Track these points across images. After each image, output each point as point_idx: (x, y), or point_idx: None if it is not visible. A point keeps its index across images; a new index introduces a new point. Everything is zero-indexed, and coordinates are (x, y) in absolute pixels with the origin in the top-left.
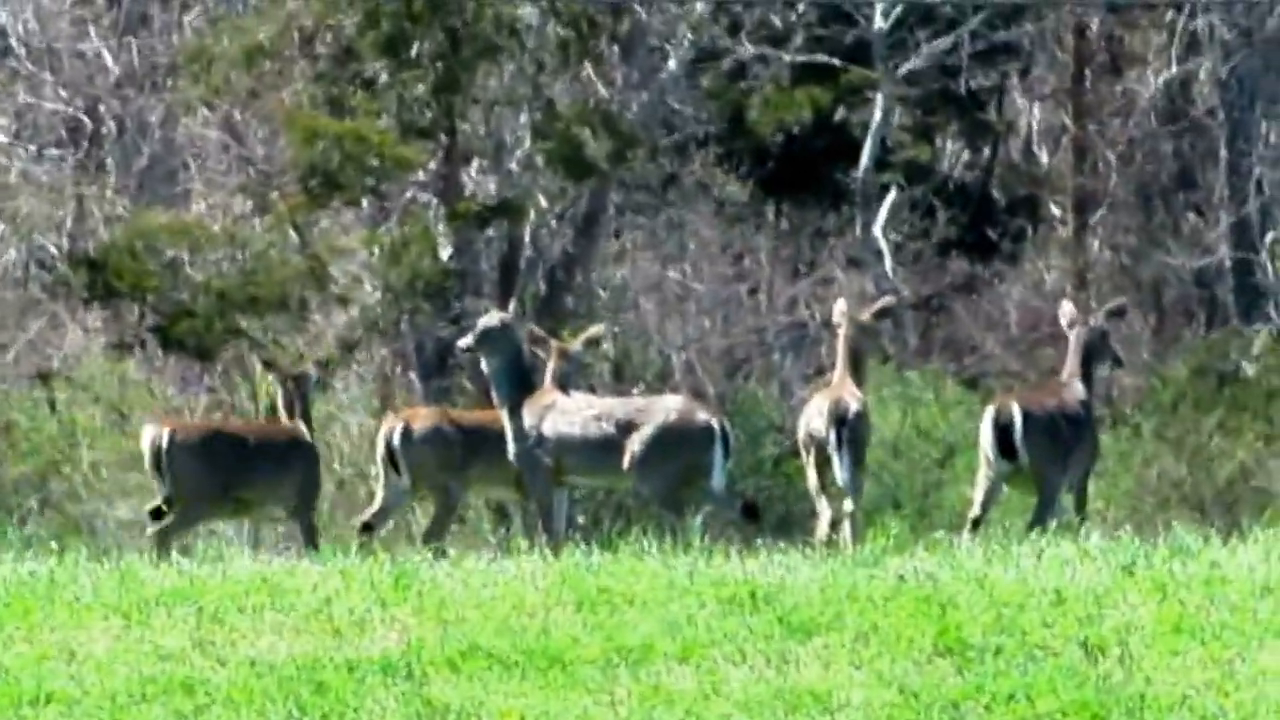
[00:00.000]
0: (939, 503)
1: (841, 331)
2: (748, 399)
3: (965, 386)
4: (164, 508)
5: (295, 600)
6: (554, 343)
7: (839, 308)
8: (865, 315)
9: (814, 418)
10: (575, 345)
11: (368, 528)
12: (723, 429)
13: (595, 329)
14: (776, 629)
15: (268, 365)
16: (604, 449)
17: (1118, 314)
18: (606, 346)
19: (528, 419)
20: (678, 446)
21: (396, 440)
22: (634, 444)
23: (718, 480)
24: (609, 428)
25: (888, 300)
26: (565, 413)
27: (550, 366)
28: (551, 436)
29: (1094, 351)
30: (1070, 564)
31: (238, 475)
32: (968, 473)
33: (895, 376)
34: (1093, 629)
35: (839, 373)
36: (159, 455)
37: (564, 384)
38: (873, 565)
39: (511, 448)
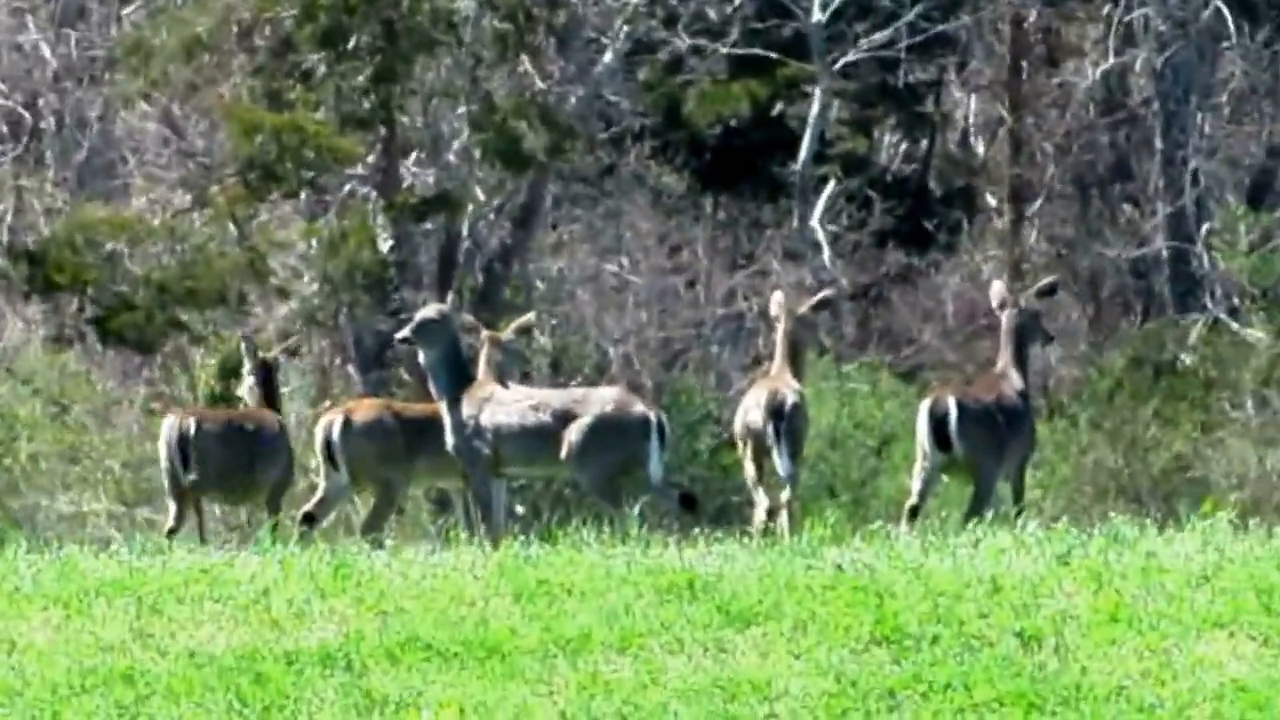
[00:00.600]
0: (875, 493)
1: (780, 324)
2: (685, 390)
3: (902, 377)
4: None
5: (234, 591)
6: (486, 332)
7: (777, 300)
8: (803, 308)
9: (751, 410)
10: (507, 334)
11: (309, 519)
12: (659, 420)
13: (526, 317)
14: (714, 618)
15: (249, 347)
16: (541, 439)
17: (1048, 292)
18: (544, 340)
19: (466, 410)
20: (615, 437)
21: (336, 433)
22: (571, 434)
23: (655, 471)
24: (546, 418)
25: (826, 293)
26: (503, 404)
27: (483, 355)
28: (489, 427)
29: (1026, 332)
30: (1007, 554)
31: (253, 461)
32: (904, 463)
33: (832, 368)
34: (1029, 619)
35: (776, 364)
36: (185, 444)
37: (500, 374)
38: (810, 555)
39: (450, 439)
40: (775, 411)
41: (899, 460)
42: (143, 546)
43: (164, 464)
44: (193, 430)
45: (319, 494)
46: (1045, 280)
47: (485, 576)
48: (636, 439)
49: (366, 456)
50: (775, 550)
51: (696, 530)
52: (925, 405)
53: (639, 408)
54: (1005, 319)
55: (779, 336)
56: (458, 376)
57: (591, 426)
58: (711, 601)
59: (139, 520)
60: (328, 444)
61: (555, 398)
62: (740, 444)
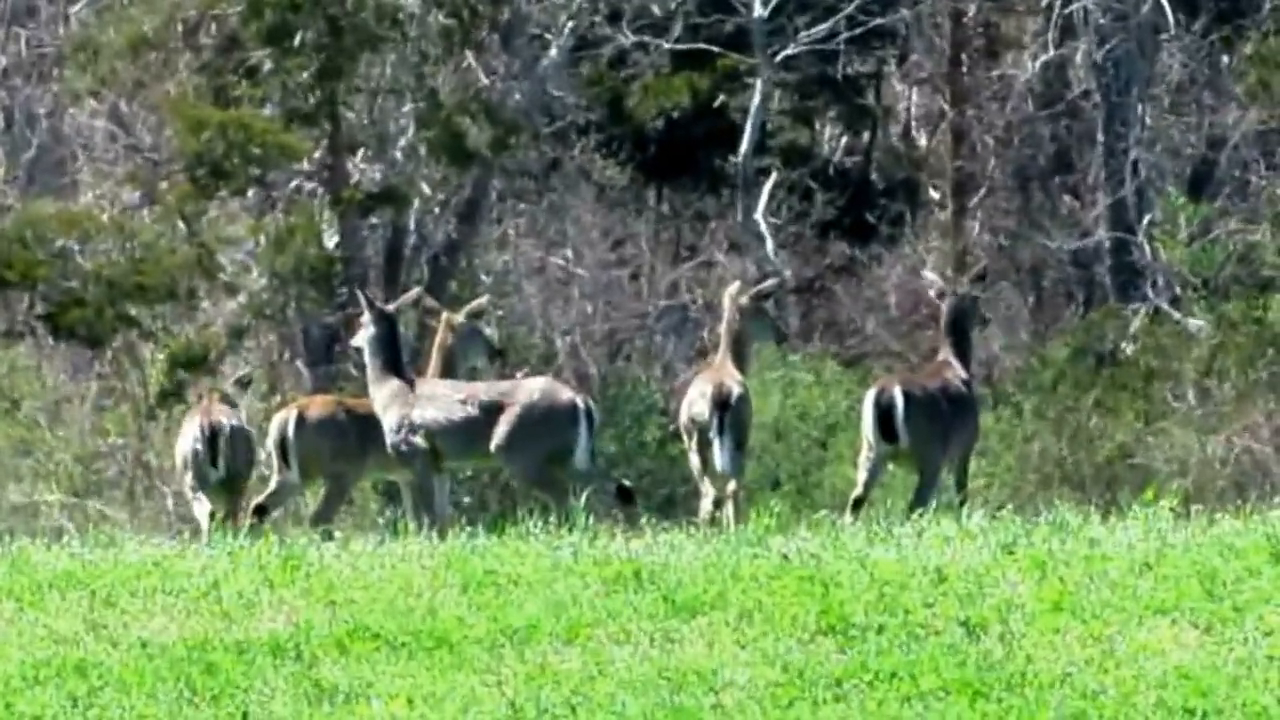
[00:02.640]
0: (819, 482)
1: (725, 314)
2: (630, 382)
3: (846, 367)
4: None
5: (185, 583)
6: (444, 314)
7: (730, 291)
8: (745, 298)
9: (696, 401)
10: (459, 317)
11: (261, 511)
12: (587, 408)
13: (479, 301)
14: (661, 608)
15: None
16: (472, 433)
17: (980, 277)
18: (490, 332)
19: (400, 408)
20: (542, 427)
21: (291, 430)
22: (500, 426)
23: (581, 460)
24: (475, 411)
25: (769, 284)
26: (434, 398)
27: (438, 339)
28: (422, 423)
29: (966, 318)
30: (951, 543)
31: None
32: (849, 452)
33: (777, 358)
34: (974, 608)
35: (721, 355)
36: (284, 440)
37: (450, 359)
38: (756, 545)
39: (389, 438)
40: (720, 404)
41: (843, 450)
42: (95, 539)
43: (190, 461)
44: (291, 427)
45: (271, 487)
46: (977, 266)
47: (433, 567)
48: (564, 427)
49: (320, 452)
50: (721, 540)
51: (642, 521)
52: (870, 395)
53: (565, 395)
54: (944, 307)
55: (723, 327)
56: (396, 373)
57: (519, 417)
58: (658, 591)
59: (90, 511)
60: (282, 440)
61: (483, 390)
62: (685, 435)
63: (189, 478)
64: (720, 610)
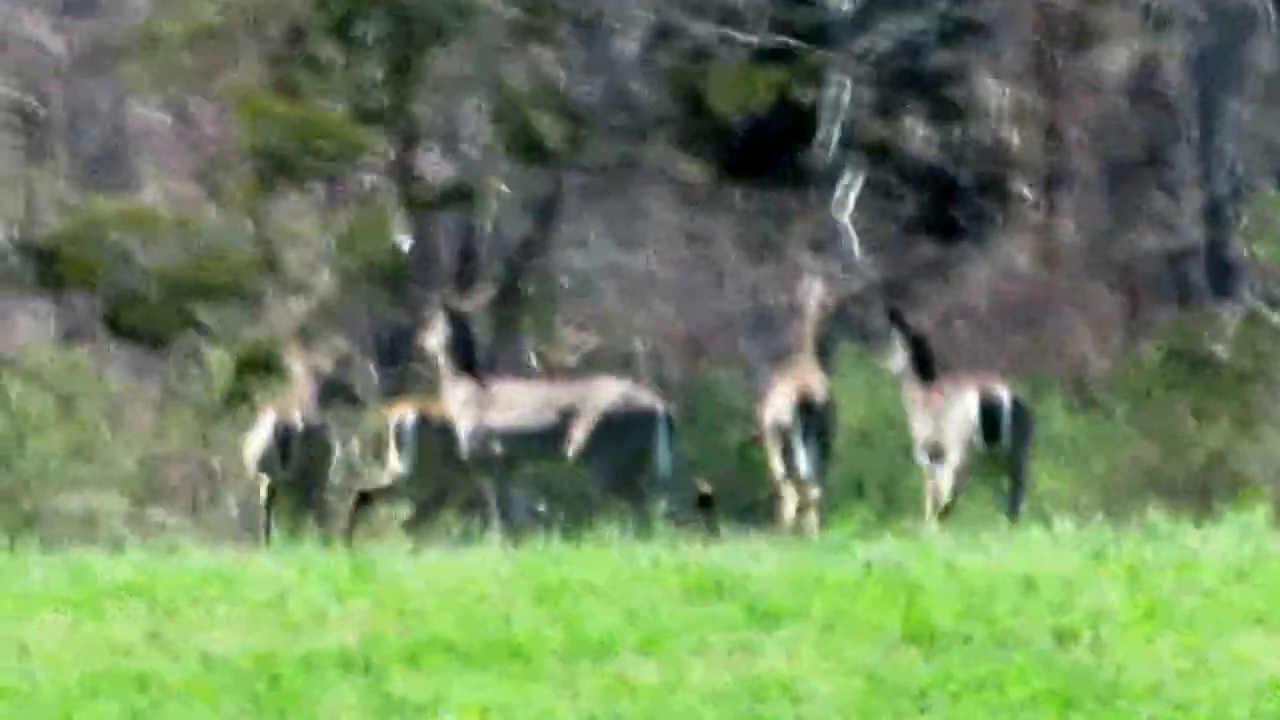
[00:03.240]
0: (905, 489)
1: (809, 315)
2: (711, 385)
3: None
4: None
5: (250, 593)
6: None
7: (816, 291)
8: (831, 299)
9: (779, 405)
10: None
11: (365, 498)
12: (666, 413)
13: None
14: (741, 618)
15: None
16: (547, 438)
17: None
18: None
19: (475, 412)
20: (621, 432)
21: (410, 427)
22: (576, 431)
23: (663, 466)
24: (552, 416)
25: (853, 285)
26: (510, 403)
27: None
28: (498, 429)
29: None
30: (1041, 549)
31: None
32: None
33: (861, 361)
34: (1064, 616)
35: (804, 356)
36: (400, 438)
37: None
38: (839, 552)
39: (464, 444)
40: (804, 406)
41: None
42: (156, 548)
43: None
44: (300, 429)
45: (384, 481)
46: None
47: (507, 576)
48: (643, 433)
49: (434, 453)
50: (803, 547)
51: (718, 528)
52: (972, 396)
53: (645, 400)
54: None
55: (806, 328)
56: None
57: (597, 423)
58: (738, 600)
59: (152, 520)
60: (399, 437)
61: (560, 393)
62: (768, 439)
63: (257, 471)
64: (802, 620)
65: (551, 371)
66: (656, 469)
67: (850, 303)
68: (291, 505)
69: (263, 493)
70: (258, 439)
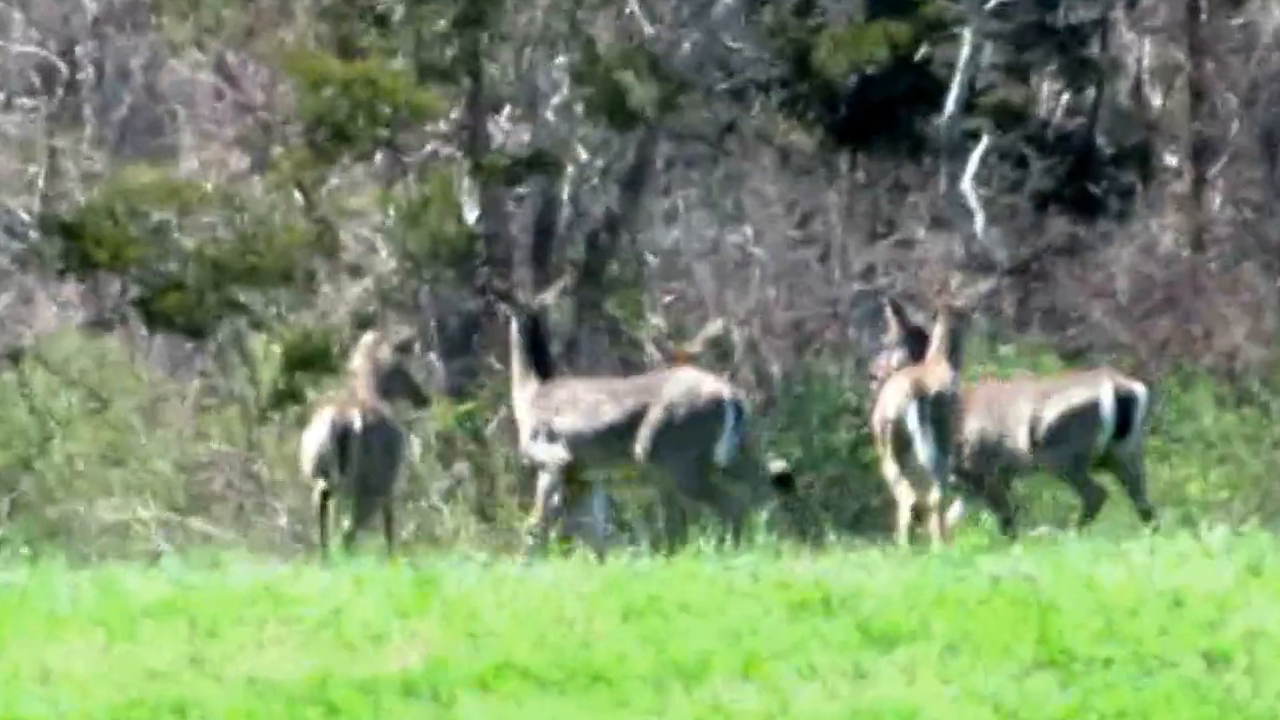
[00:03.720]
0: (1036, 494)
1: (940, 317)
2: (818, 378)
3: (1068, 361)
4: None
5: (301, 611)
6: (677, 351)
7: (943, 295)
8: (962, 301)
9: (894, 397)
10: (694, 347)
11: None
12: (735, 399)
13: (713, 326)
14: (853, 638)
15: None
16: (613, 440)
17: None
18: (656, 321)
19: (539, 413)
20: (687, 427)
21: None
22: (642, 430)
23: (723, 455)
24: (617, 415)
25: (987, 286)
26: (574, 403)
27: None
28: (562, 431)
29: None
30: (1189, 562)
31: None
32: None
33: (988, 351)
34: (1215, 637)
35: (932, 354)
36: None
37: None
38: (963, 565)
39: (523, 444)
40: (920, 395)
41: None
42: (197, 561)
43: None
44: (358, 428)
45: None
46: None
47: (589, 593)
48: (710, 424)
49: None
50: (923, 559)
51: (833, 537)
52: (1108, 388)
53: (708, 388)
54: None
55: (938, 328)
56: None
57: (660, 420)
58: (849, 619)
59: (192, 530)
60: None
61: (624, 389)
62: (879, 435)
63: (312, 475)
64: (921, 641)
65: (634, 365)
66: (716, 458)
67: (981, 300)
68: (354, 513)
69: (316, 499)
70: (314, 439)
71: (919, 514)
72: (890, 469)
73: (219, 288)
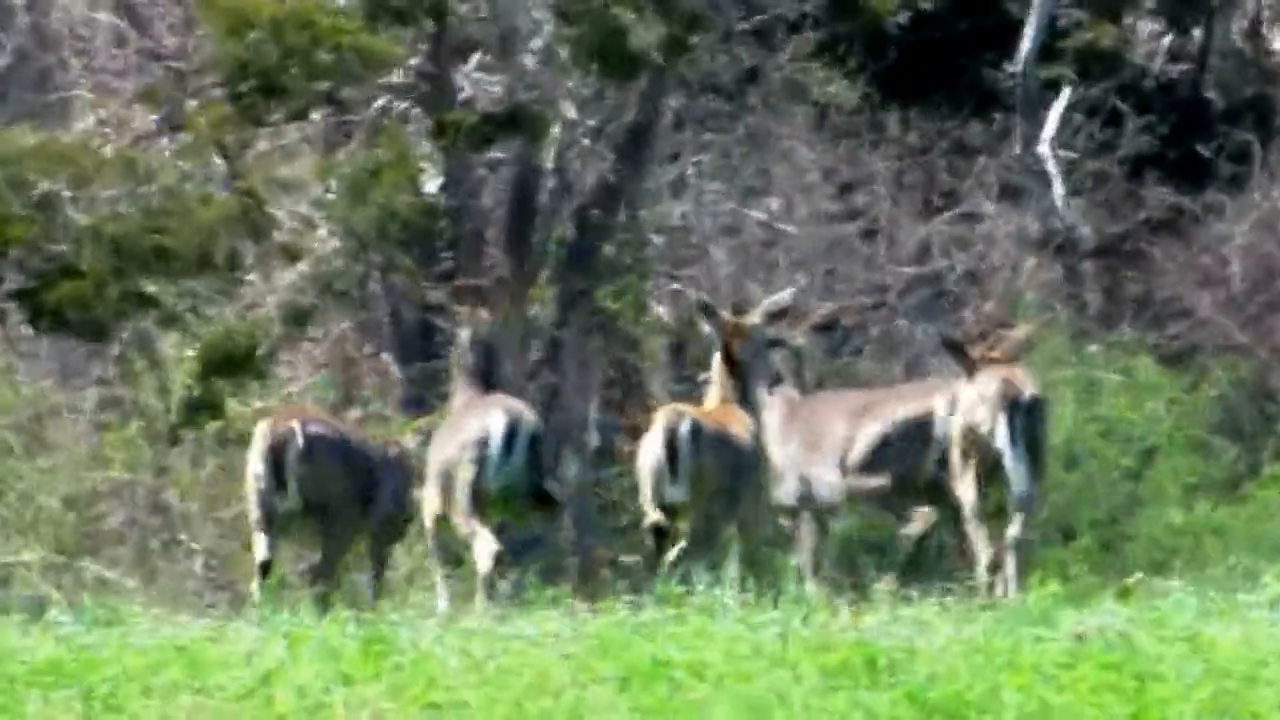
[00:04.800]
0: (1132, 531)
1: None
2: (861, 382)
3: (1169, 364)
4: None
5: (223, 677)
6: (726, 318)
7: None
8: (1001, 353)
9: (974, 405)
10: (754, 318)
11: (660, 533)
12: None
13: (780, 295)
14: (906, 712)
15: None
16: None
17: (828, 327)
18: (661, 312)
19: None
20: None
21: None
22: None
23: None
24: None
25: (1024, 332)
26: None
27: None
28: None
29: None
30: None
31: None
32: (1173, 485)
33: (1068, 351)
34: None
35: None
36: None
37: (744, 374)
38: (1040, 621)
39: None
40: (1011, 403)
41: (1165, 484)
42: (93, 615)
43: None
44: (300, 441)
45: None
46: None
47: (579, 654)
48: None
49: (713, 468)
50: (989, 614)
51: (879, 586)
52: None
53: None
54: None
55: (1015, 335)
56: None
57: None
58: (899, 688)
59: (87, 576)
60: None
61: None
62: (956, 454)
63: (253, 511)
64: (991, 714)
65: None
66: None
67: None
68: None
69: (258, 535)
70: (250, 461)
71: (997, 559)
72: (968, 497)
73: (121, 275)
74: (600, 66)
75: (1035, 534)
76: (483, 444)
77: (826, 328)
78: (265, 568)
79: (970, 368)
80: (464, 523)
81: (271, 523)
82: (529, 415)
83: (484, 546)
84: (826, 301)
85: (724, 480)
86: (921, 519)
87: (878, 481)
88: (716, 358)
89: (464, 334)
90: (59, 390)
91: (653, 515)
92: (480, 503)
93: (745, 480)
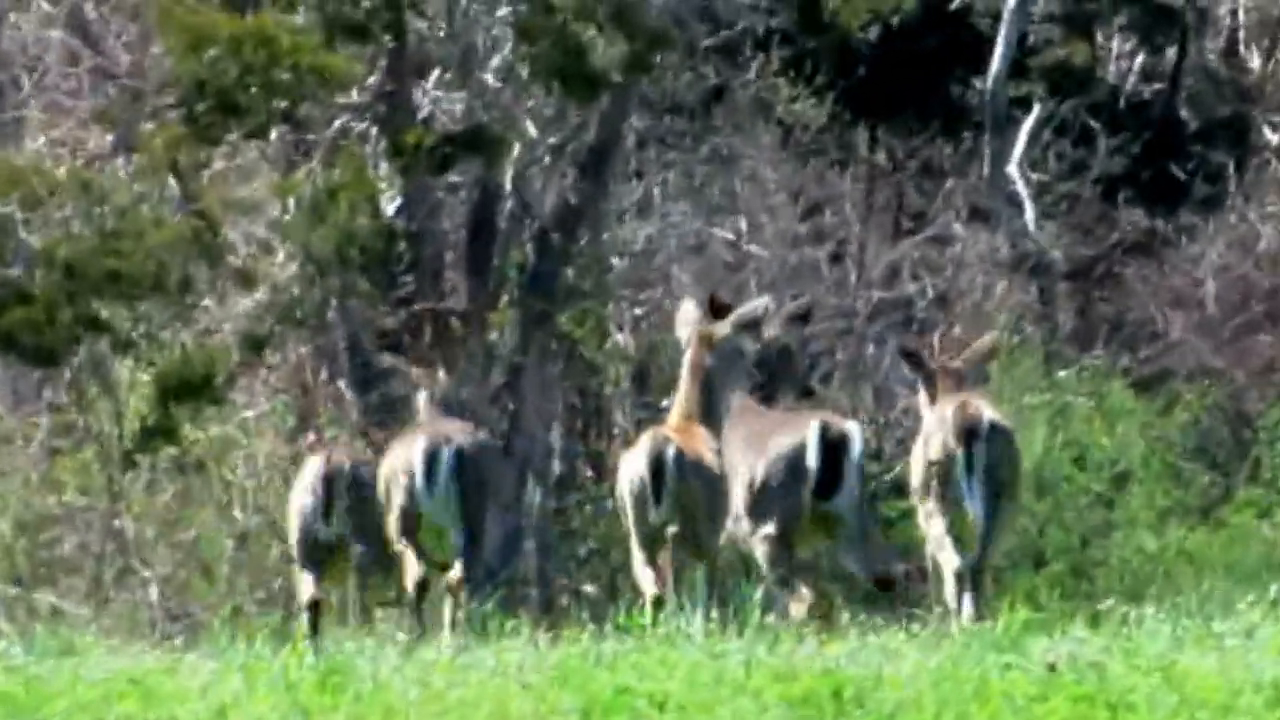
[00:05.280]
0: (1104, 557)
1: (937, 382)
2: (828, 407)
3: (1142, 389)
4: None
5: (178, 710)
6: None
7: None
8: (960, 364)
9: (931, 434)
10: (724, 328)
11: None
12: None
13: (753, 305)
14: None
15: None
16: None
17: (801, 317)
18: (622, 339)
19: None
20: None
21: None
22: None
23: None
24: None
25: (991, 340)
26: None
27: (691, 358)
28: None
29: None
30: None
31: None
32: (1146, 512)
33: (1039, 376)
34: None
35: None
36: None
37: (709, 386)
38: (1011, 649)
39: None
40: (969, 432)
41: (1137, 510)
42: (44, 646)
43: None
44: (348, 473)
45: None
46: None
47: (539, 684)
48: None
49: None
50: (959, 642)
51: (845, 616)
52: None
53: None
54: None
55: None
56: None
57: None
58: (868, 717)
59: (37, 606)
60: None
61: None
62: (918, 483)
63: (296, 543)
64: None
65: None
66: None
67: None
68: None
69: (299, 563)
70: (298, 493)
71: (960, 580)
72: (935, 528)
73: (74, 299)
74: (561, 85)
75: (1005, 562)
76: (409, 472)
77: (802, 318)
78: (315, 606)
79: (928, 377)
80: (397, 546)
81: (316, 557)
82: (462, 439)
83: (411, 571)
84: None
85: (705, 505)
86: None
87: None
88: (685, 363)
89: (422, 397)
90: (10, 415)
91: (649, 590)
92: (409, 527)
93: (719, 505)
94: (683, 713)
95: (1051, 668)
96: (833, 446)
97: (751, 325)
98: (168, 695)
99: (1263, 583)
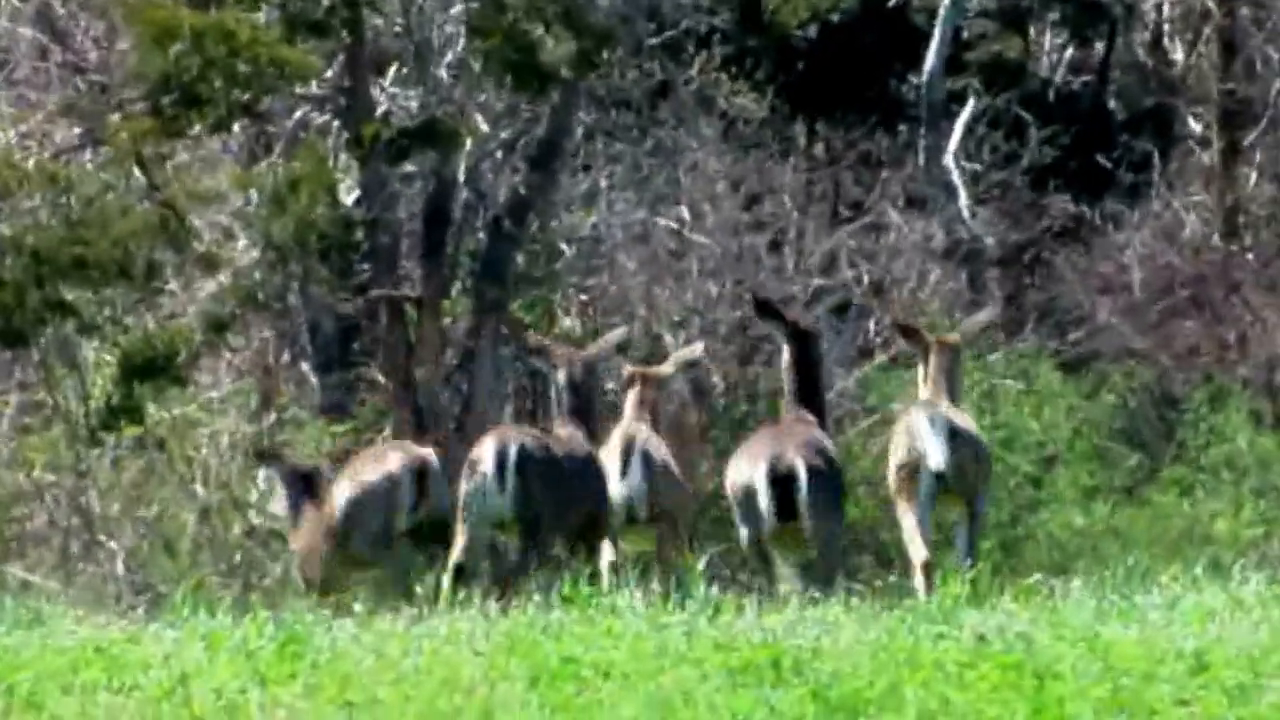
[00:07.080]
0: (1031, 533)
1: (932, 355)
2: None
3: (1069, 371)
4: None
5: (141, 677)
6: (634, 370)
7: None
8: (956, 337)
9: (902, 441)
10: (667, 368)
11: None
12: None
13: (691, 349)
14: (810, 709)
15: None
16: None
17: (841, 309)
18: (569, 324)
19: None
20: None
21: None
22: None
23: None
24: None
25: (984, 315)
26: None
27: (640, 397)
28: None
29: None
30: (1216, 617)
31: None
32: (1073, 490)
33: (971, 357)
34: (1247, 706)
35: (930, 389)
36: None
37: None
38: (943, 621)
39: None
40: (777, 479)
41: (1063, 489)
42: (14, 617)
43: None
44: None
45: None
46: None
47: (489, 652)
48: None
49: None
50: (893, 615)
51: (788, 590)
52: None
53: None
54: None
55: (930, 365)
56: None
57: None
58: (803, 686)
59: (6, 578)
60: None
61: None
62: (893, 483)
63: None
64: (893, 712)
65: None
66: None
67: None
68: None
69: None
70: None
71: (928, 568)
72: (908, 522)
73: (42, 284)
74: (513, 81)
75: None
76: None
77: (840, 310)
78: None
79: (925, 349)
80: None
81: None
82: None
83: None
84: (734, 311)
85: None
86: None
87: None
88: (632, 397)
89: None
90: None
91: (609, 555)
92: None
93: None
94: (626, 681)
95: (981, 638)
96: (782, 480)
97: (692, 365)
98: (132, 663)
99: (1185, 557)
